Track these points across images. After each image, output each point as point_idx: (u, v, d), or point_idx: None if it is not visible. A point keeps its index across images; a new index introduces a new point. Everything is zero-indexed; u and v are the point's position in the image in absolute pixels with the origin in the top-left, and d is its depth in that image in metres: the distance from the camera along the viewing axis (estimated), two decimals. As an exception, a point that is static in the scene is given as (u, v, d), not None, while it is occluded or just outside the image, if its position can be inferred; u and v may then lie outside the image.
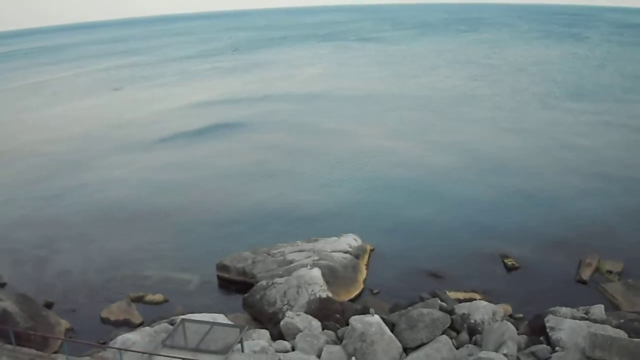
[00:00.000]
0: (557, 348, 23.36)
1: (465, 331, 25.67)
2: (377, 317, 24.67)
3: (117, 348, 22.46)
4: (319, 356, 23.52)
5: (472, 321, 25.95)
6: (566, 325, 24.22)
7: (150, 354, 21.56)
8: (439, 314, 25.42)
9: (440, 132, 69.85)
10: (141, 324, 29.67)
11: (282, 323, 26.28)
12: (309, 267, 31.27)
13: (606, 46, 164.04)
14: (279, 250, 36.11)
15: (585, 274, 33.57)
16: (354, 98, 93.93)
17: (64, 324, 30.05)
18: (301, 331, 25.32)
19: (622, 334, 22.77)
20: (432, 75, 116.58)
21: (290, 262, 33.89)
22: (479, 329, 25.44)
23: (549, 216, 43.17)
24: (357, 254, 35.88)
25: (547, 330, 24.46)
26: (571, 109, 79.75)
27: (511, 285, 33.48)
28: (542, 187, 49.61)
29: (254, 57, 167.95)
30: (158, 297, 33.47)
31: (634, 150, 59.54)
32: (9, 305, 27.89)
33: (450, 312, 26.69)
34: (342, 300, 30.40)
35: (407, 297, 30.66)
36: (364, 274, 34.80)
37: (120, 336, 24.29)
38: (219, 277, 35.43)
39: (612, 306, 29.89)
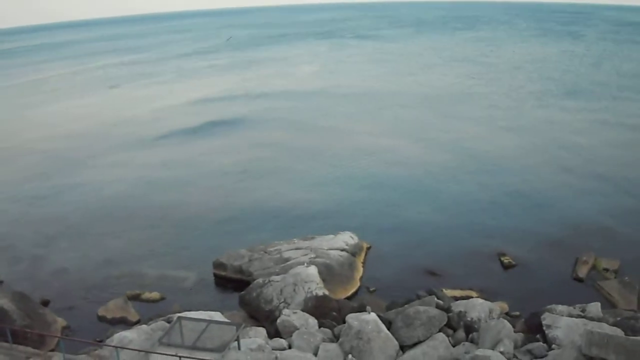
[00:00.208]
0: (553, 346, 23.40)
1: (461, 329, 25.68)
2: (373, 315, 24.69)
3: (113, 346, 22.41)
4: (315, 354, 23.52)
5: (469, 319, 25.97)
6: (563, 323, 24.26)
7: (147, 352, 21.55)
8: (436, 311, 25.43)
9: (437, 130, 69.85)
10: (138, 322, 29.61)
11: (278, 321, 26.27)
12: (305, 265, 31.28)
13: (603, 44, 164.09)
14: (275, 248, 36.09)
15: (582, 272, 33.61)
16: (350, 95, 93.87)
17: (61, 322, 29.97)
18: (298, 329, 25.32)
19: (618, 331, 22.84)
20: (428, 73, 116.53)
21: (287, 260, 33.88)
22: (476, 326, 25.46)
23: (545, 214, 43.22)
24: (353, 252, 35.88)
25: (544, 328, 24.51)
26: (568, 107, 79.82)
27: (508, 283, 33.49)
28: (539, 185, 49.67)
29: (252, 55, 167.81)
30: (155, 295, 33.44)
31: (630, 148, 59.61)
32: (5, 303, 27.83)
33: (447, 309, 26.70)
34: (338, 298, 30.41)
35: (404, 295, 30.63)
36: (360, 271, 34.79)
37: (117, 334, 24.24)
38: (215, 275, 35.39)
39: (609, 304, 29.91)
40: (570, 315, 25.67)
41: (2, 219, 46.84)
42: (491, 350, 22.35)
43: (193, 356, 20.73)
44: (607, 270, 33.71)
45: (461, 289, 32.26)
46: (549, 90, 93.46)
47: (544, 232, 39.87)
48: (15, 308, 27.83)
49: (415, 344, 24.22)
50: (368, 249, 37.91)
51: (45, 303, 32.35)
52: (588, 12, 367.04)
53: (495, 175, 52.67)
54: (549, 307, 26.83)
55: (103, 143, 70.18)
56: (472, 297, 29.29)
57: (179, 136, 71.70)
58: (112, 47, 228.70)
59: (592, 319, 25.34)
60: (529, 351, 23.28)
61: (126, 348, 22.24)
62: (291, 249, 35.50)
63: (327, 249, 35.00)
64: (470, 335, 25.14)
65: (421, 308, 25.43)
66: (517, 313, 29.16)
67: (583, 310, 26.58)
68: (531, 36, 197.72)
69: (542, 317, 25.22)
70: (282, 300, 28.61)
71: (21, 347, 23.77)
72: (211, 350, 21.49)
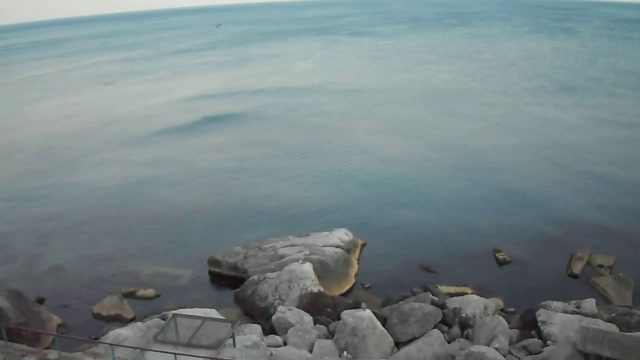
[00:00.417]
0: (548, 342, 23.47)
1: (456, 325, 25.74)
2: (368, 312, 24.72)
3: (108, 343, 22.34)
4: (310, 351, 23.53)
5: (464, 315, 26.03)
6: (558, 319, 24.33)
7: (142, 349, 21.49)
8: (431, 308, 25.48)
9: (431, 127, 69.88)
10: (133, 319, 29.58)
11: (273, 318, 26.28)
12: (300, 261, 31.28)
13: (597, 41, 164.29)
14: (270, 245, 36.08)
15: (577, 268, 33.70)
16: (345, 92, 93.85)
17: (56, 319, 29.95)
18: (293, 326, 25.33)
19: (613, 327, 22.94)
20: (423, 70, 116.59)
21: (282, 256, 33.87)
22: (471, 323, 25.52)
23: (540, 210, 43.29)
24: (348, 249, 35.88)
25: (539, 324, 24.58)
26: (562, 104, 79.91)
27: (503, 280, 33.56)
28: (534, 181, 49.71)
29: (247, 51, 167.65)
30: (150, 292, 33.40)
31: (624, 145, 59.73)
32: (0, 301, 27.75)
33: (442, 306, 26.76)
34: (333, 294, 30.45)
35: (399, 292, 30.74)
36: (355, 268, 34.82)
37: (112, 331, 24.20)
38: (210, 272, 35.37)
39: (604, 300, 30.03)
40: (565, 312, 25.75)
41: (-4, 216, 46.72)
42: (486, 347, 22.38)
43: (188, 353, 20.71)
44: (601, 266, 33.81)
45: (456, 286, 32.32)
46: (544, 86, 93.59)
47: (539, 229, 39.93)
48: (10, 306, 27.74)
49: (410, 341, 24.26)
50: (363, 245, 37.90)
51: (41, 301, 32.26)
52: (582, 9, 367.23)
53: (490, 172, 52.72)
54: (544, 303, 26.92)
55: (97, 140, 69.98)
56: (467, 294, 29.31)
57: (174, 133, 71.53)
58: (107, 44, 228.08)
59: (587, 315, 25.45)
60: (524, 347, 23.33)
61: (121, 345, 22.17)
62: (286, 246, 35.49)
63: (322, 246, 35.01)
64: (465, 332, 25.19)
65: (416, 304, 25.48)
66: (512, 309, 29.27)
67: (578, 307, 26.68)
68: (526, 33, 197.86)
69: (537, 313, 25.28)
70: (277, 297, 28.61)
71: (16, 345, 23.65)
72: (206, 347, 21.47)
